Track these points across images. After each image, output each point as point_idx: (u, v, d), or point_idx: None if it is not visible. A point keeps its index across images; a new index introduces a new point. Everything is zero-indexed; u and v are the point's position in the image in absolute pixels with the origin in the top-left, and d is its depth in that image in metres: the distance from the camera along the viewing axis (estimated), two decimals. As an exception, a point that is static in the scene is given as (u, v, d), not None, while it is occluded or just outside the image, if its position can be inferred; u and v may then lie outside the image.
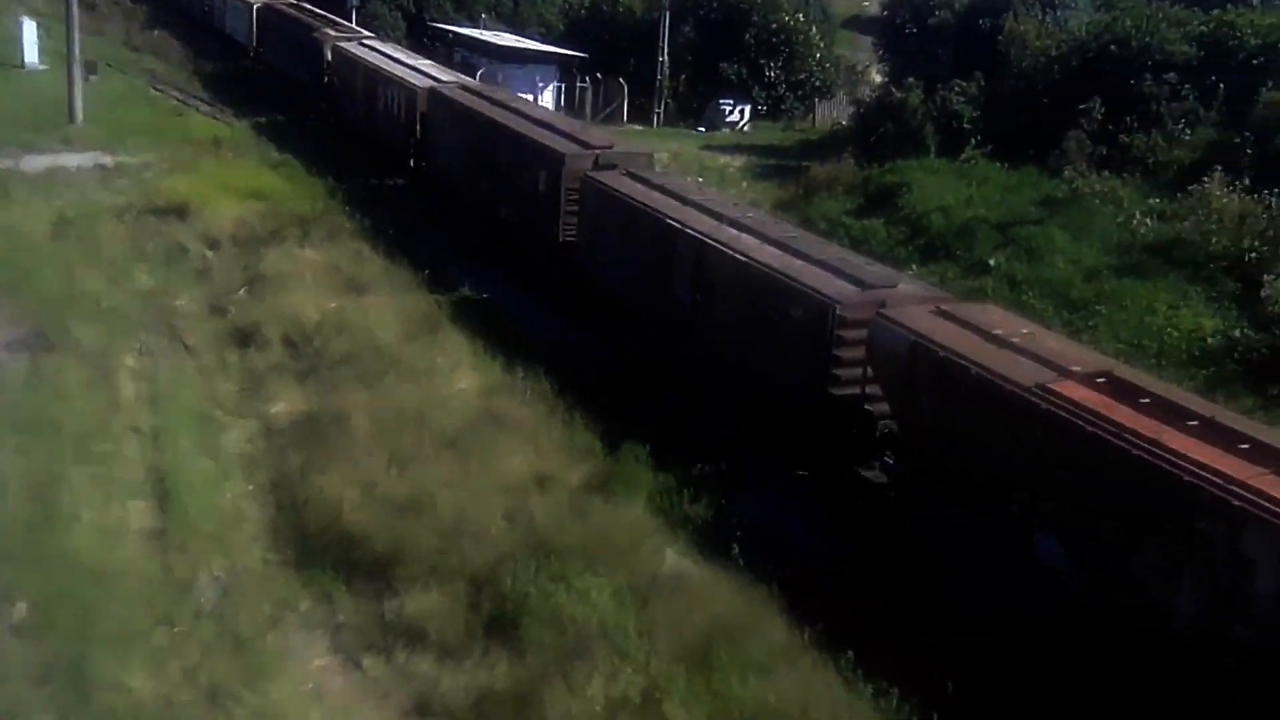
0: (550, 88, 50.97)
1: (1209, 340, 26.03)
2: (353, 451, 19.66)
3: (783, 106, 54.65)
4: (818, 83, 55.27)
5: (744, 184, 40.11)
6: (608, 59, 52.76)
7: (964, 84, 41.21)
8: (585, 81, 51.94)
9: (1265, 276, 27.07)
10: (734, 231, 23.67)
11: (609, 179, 27.27)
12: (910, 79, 42.34)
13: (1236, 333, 25.97)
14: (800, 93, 55.16)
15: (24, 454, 19.70)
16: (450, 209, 34.72)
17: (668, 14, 51.82)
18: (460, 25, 56.27)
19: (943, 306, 19.52)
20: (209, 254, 30.32)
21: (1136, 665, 14.88)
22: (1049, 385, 16.43)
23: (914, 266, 30.14)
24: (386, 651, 15.83)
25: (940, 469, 18.20)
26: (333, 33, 46.93)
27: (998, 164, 36.80)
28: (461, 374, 23.41)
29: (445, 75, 39.97)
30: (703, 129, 51.05)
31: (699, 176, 38.41)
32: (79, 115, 40.40)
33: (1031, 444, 16.28)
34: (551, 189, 28.90)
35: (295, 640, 16.13)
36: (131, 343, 24.71)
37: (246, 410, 22.57)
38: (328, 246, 30.21)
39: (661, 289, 24.63)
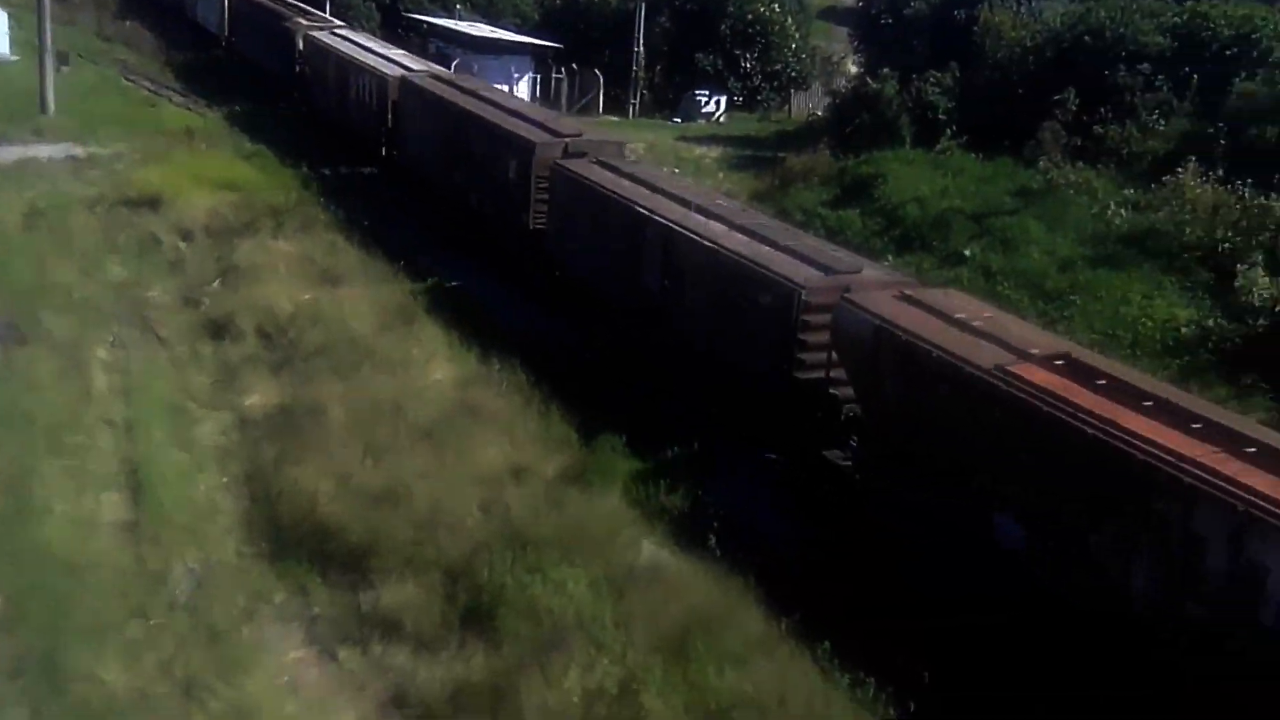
0: (525, 79, 50.83)
1: (1183, 330, 26.13)
2: (328, 443, 19.60)
3: (758, 97, 54.65)
4: (793, 73, 55.28)
5: (720, 175, 40.07)
6: (583, 50, 52.69)
7: (939, 75, 41.20)
8: (560, 72, 51.84)
9: (1238, 266, 27.17)
10: (702, 219, 23.82)
11: (578, 167, 27.38)
12: (885, 70, 42.34)
13: (1210, 322, 26.07)
14: (776, 83, 55.16)
15: (-4, 446, 19.57)
16: (423, 199, 34.69)
17: (643, 5, 51.69)
18: (435, 16, 56.05)
19: (906, 291, 19.80)
20: (182, 245, 30.19)
21: (1099, 648, 15.01)
22: (1008, 367, 16.65)
23: (890, 257, 30.15)
24: (362, 643, 15.80)
25: (903, 452, 18.37)
26: (304, 22, 46.74)
27: (973, 155, 36.81)
28: (437, 365, 23.36)
29: (416, 64, 39.95)
30: (678, 120, 50.98)
31: (675, 167, 38.37)
32: (50, 106, 40.08)
33: (991, 426, 16.47)
34: (521, 177, 28.98)
35: (270, 632, 16.08)
36: (104, 334, 24.59)
37: (220, 402, 22.48)
38: (302, 237, 30.10)
39: (631, 276, 24.75)
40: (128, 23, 59.26)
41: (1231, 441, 14.76)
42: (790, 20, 55.28)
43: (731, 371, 21.79)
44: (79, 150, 36.78)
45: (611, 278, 25.64)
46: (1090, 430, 15.15)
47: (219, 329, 25.15)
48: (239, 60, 52.76)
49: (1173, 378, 22.48)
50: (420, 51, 47.88)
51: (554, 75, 51.74)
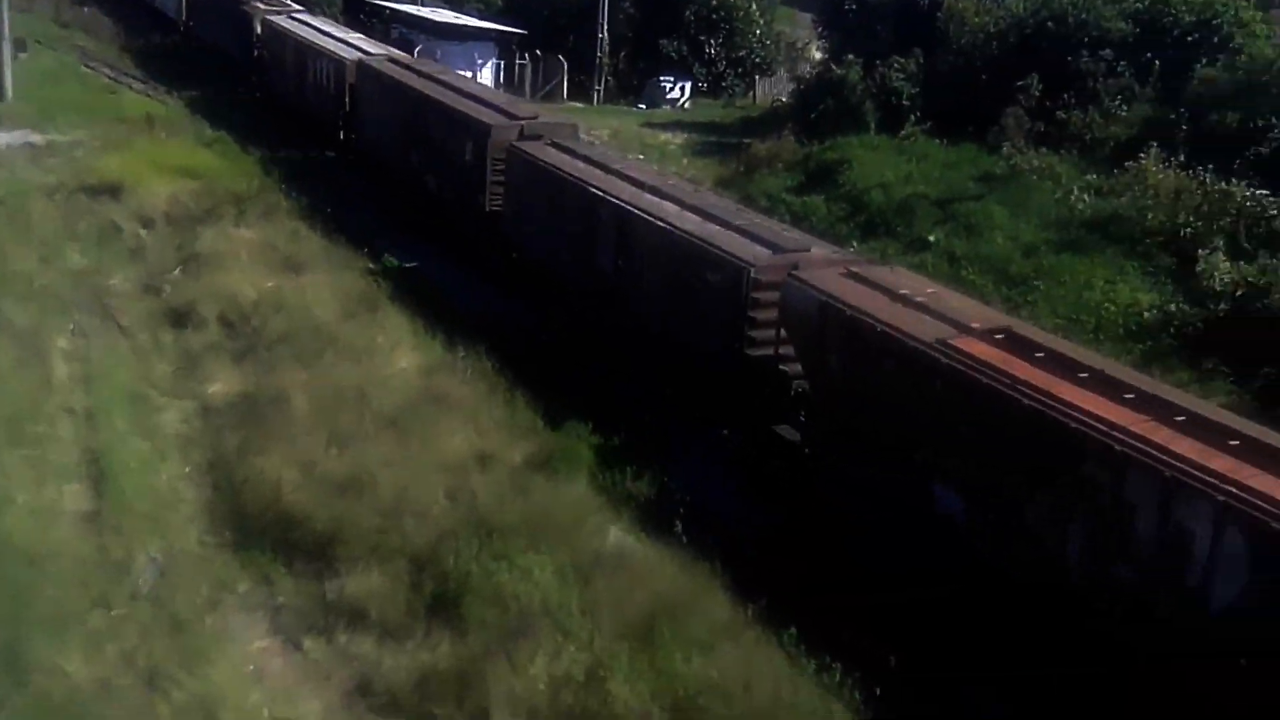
0: (489, 65, 50.60)
1: (1145, 315, 26.27)
2: (292, 431, 19.49)
3: (723, 83, 54.61)
4: (758, 59, 55.26)
5: (684, 161, 40.05)
6: (547, 36, 52.49)
7: (903, 61, 41.27)
8: (524, 59, 51.63)
9: (1200, 251, 27.32)
10: (655, 199, 24.06)
11: (534, 149, 27.49)
12: (850, 56, 42.33)
13: (1172, 307, 26.22)
14: (740, 70, 55.12)
15: (-46, 437, 19.37)
16: (384, 185, 34.64)
17: (607, -10, 51.61)
18: (398, 1, 55.74)
19: (852, 269, 20.16)
20: (143, 233, 29.96)
21: (1040, 619, 15.26)
22: (949, 341, 16.96)
23: (855, 243, 30.20)
24: (327, 632, 15.71)
25: (848, 426, 18.66)
26: (262, 6, 46.53)
27: (937, 141, 36.92)
28: (401, 353, 23.26)
29: (374, 48, 39.99)
30: (643, 106, 50.89)
31: (640, 154, 38.31)
32: (8, 93, 39.79)
33: (932, 398, 16.76)
34: (477, 160, 29.13)
35: (234, 622, 15.97)
36: (64, 323, 24.37)
37: (182, 391, 22.31)
38: (264, 225, 29.92)
39: (585, 257, 24.95)
40: (86, 9, 58.76)
41: (1163, 411, 15.12)
42: (754, 6, 55.21)
43: (684, 350, 22.05)
44: (37, 138, 36.49)
45: (567, 259, 25.82)
46: (1026, 401, 15.45)
47: (181, 317, 24.97)
48: (198, 45, 52.44)
49: (1135, 362, 22.61)
50: (383, 38, 47.63)
51: (518, 62, 51.53)
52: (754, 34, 54.81)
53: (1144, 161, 31.56)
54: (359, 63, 36.71)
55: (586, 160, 26.75)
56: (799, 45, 58.65)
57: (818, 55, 54.94)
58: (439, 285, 27.87)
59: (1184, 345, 25.02)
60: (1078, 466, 14.89)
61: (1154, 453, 14.20)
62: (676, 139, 43.39)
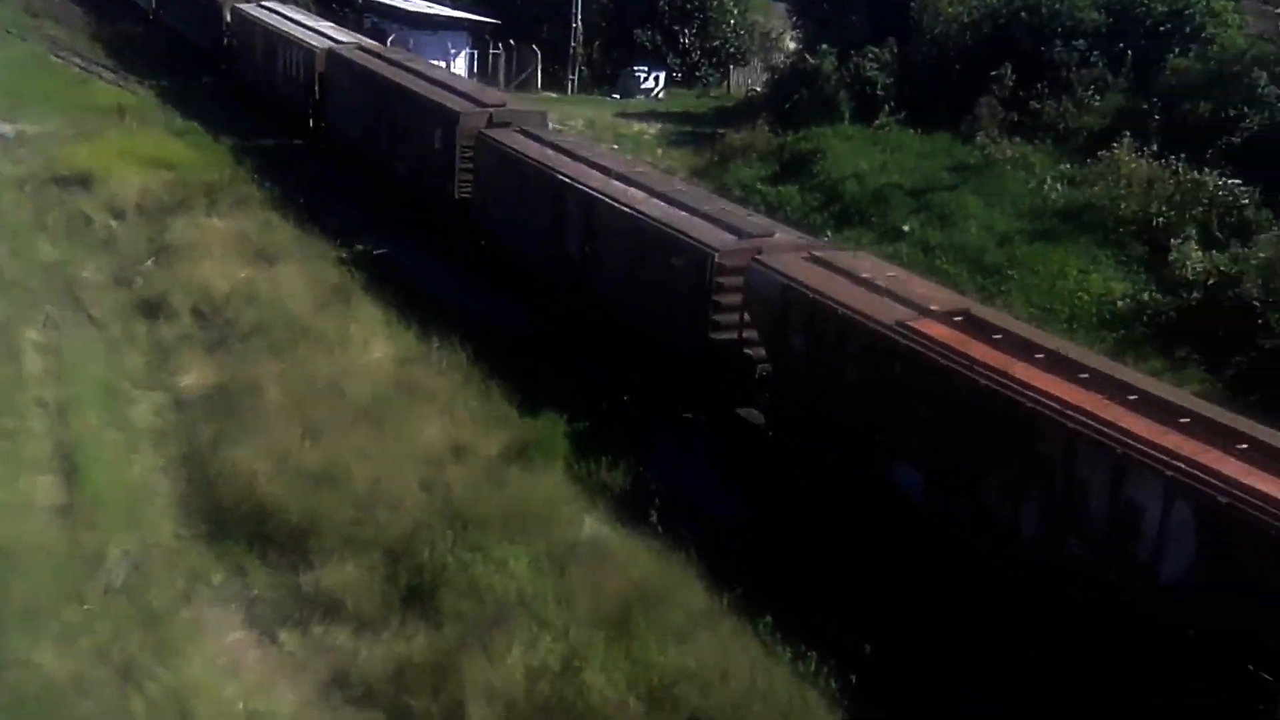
0: (463, 54, 50.43)
1: (1119, 304, 26.39)
2: (265, 423, 19.38)
3: (697, 73, 54.52)
4: (732, 49, 55.20)
5: (659, 151, 40.01)
6: (521, 26, 52.26)
7: (877, 51, 41.29)
8: (498, 48, 51.47)
9: (1172, 241, 27.45)
10: (622, 186, 24.32)
11: (502, 136, 27.67)
12: (824, 45, 42.29)
13: (1145, 296, 26.33)
14: (715, 59, 55.04)
15: (-74, 430, 19.26)
16: (355, 173, 34.61)
17: (581, -20, 51.47)
18: (371, -10, 55.44)
19: (815, 253, 20.61)
20: (114, 224, 29.76)
21: (999, 596, 15.61)
22: (909, 323, 17.35)
23: (829, 233, 30.25)
24: (303, 624, 15.67)
25: (811, 408, 18.99)
26: None
27: (911, 130, 36.98)
28: (375, 343, 23.19)
29: (344, 36, 39.92)
30: (617, 96, 50.80)
31: (614, 144, 38.24)
32: (-23, 83, 39.39)
33: (892, 379, 17.19)
34: (446, 147, 29.28)
35: (209, 615, 15.93)
36: (35, 315, 24.19)
37: (155, 383, 22.20)
38: (236, 215, 29.74)
39: (554, 243, 25.14)
40: (56, -2, 58.26)
41: (1116, 390, 15.54)
42: (729, -4, 55.15)
43: (650, 335, 22.32)
44: (7, 128, 36.19)
45: (535, 245, 25.99)
46: (983, 381, 15.86)
47: (153, 309, 24.81)
48: (168, 34, 52.13)
49: (1109, 350, 22.73)
50: (355, 27, 47.37)
51: (492, 51, 51.38)
52: (728, 24, 54.75)
53: (1117, 151, 31.67)
54: (329, 51, 36.70)
55: (554, 147, 26.96)
56: (773, 35, 58.59)
57: (792, 45, 54.87)
58: (410, 272, 27.90)
59: (1157, 334, 25.16)
60: (1032, 444, 15.28)
61: (1105, 430, 14.62)
62: (651, 129, 43.34)
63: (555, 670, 14.26)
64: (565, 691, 13.91)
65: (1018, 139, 34.82)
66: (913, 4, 44.19)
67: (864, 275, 19.29)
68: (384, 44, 42.88)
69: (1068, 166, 32.89)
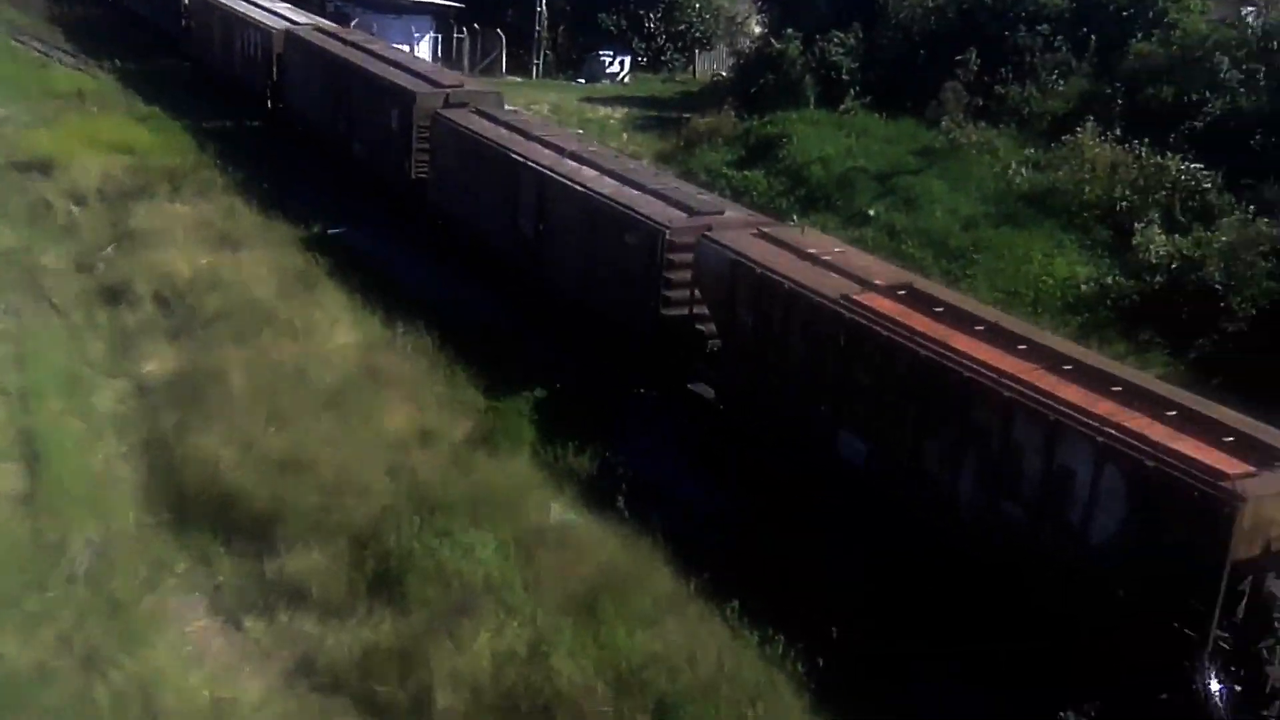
0: (426, 38, 50.24)
1: (1083, 287, 26.50)
2: (229, 410, 19.28)
3: (663, 58, 54.43)
4: (697, 34, 55.11)
5: (625, 136, 39.91)
6: (485, 9, 51.97)
7: (842, 35, 41.27)
8: (462, 32, 51.24)
9: (1136, 225, 27.59)
10: (574, 164, 24.65)
11: (458, 116, 27.94)
12: (789, 30, 42.26)
13: (1109, 280, 26.46)
14: (680, 44, 54.96)
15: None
16: (318, 157, 34.63)
17: (545, -36, 51.25)
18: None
19: (763, 229, 21.15)
20: (75, 210, 29.54)
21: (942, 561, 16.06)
22: (852, 296, 17.91)
23: (795, 217, 30.22)
24: (268, 612, 15.60)
25: (759, 381, 19.44)
26: None
27: (876, 115, 37.03)
28: (340, 329, 23.09)
29: (301, 18, 40.08)
30: (583, 80, 50.66)
31: (579, 129, 38.11)
32: (-65, 67, 38.95)
33: (836, 350, 17.71)
34: (403, 127, 29.62)
35: (173, 603, 15.83)
36: (-4, 302, 23.97)
37: (117, 369, 22.07)
38: (199, 200, 29.60)
39: (508, 222, 25.40)
40: (14, -18, 57.63)
41: (1051, 360, 16.08)
42: (694, -20, 55.03)
43: (603, 311, 22.67)
44: (-34, 113, 35.83)
45: (490, 224, 26.27)
46: (924, 351, 16.40)
47: (115, 295, 24.66)
48: (128, 17, 51.93)
49: (1073, 334, 22.81)
50: (319, 11, 47.12)
51: (455, 35, 51.15)
52: (693, 8, 54.63)
53: (1080, 135, 31.79)
54: (286, 32, 36.96)
55: (509, 127, 27.26)
56: (738, 20, 58.51)
57: (757, 30, 54.83)
58: (375, 257, 27.96)
59: (1121, 317, 25.29)
60: (969, 412, 15.78)
61: (1039, 398, 15.13)
62: (616, 114, 43.24)
63: (523, 656, 14.27)
64: (533, 677, 13.91)
65: (982, 124, 34.91)
66: (877, -12, 44.19)
67: (810, 250, 19.84)
68: (347, 28, 42.68)
69: (1032, 151, 32.99)
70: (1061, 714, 13.90)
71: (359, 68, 32.33)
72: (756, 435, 19.44)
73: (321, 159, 34.37)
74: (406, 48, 44.54)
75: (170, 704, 13.90)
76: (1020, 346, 16.47)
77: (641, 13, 53.55)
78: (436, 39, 50.83)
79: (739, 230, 20.99)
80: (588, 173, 24.17)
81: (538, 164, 24.70)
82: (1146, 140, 30.58)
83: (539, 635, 14.55)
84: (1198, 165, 29.19)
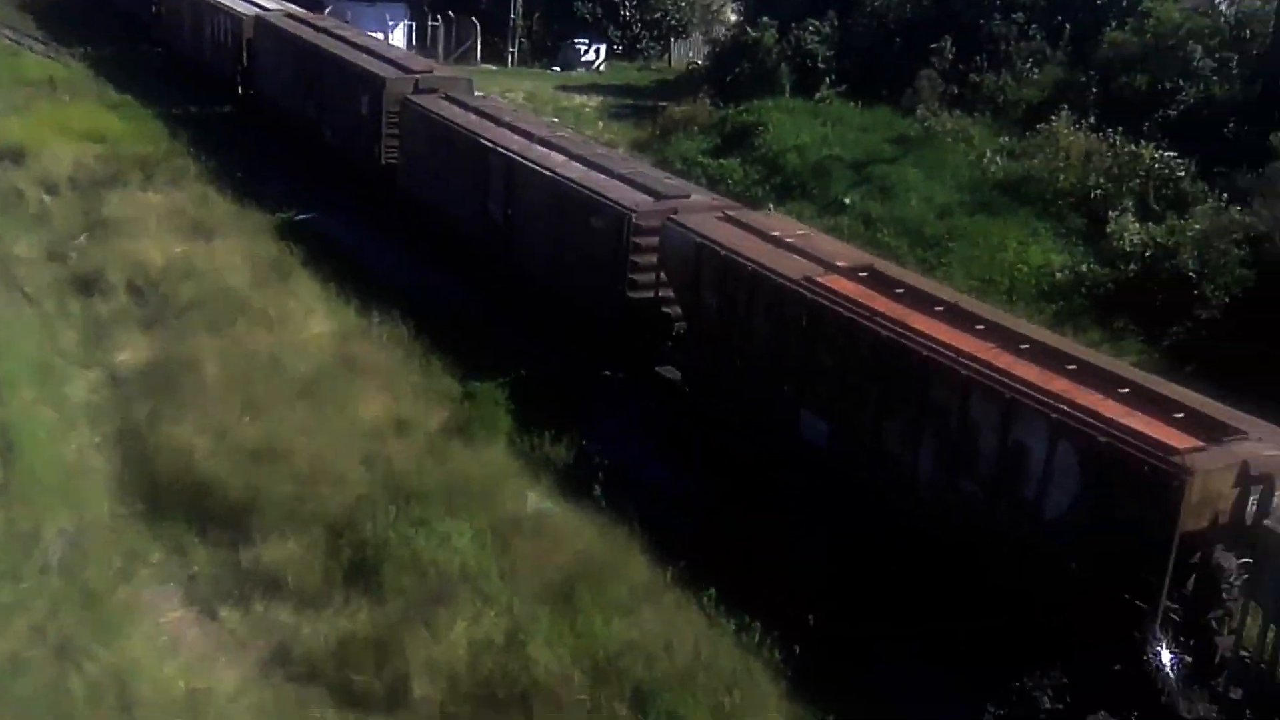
0: (401, 26, 50.05)
1: (1058, 275, 26.61)
2: (203, 399, 19.20)
3: (638, 46, 54.34)
4: (673, 22, 55.03)
5: (600, 124, 39.83)
6: (460, -3, 51.90)
7: (818, 24, 41.28)
8: (437, 20, 51.06)
9: (1110, 213, 27.71)
10: (543, 149, 24.82)
11: (427, 102, 28.06)
12: (765, 18, 42.25)
13: (1084, 268, 26.58)
14: (655, 32, 54.88)
15: None
16: (290, 144, 34.57)
17: (520, -49, 51.09)
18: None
19: (728, 213, 21.43)
20: (46, 199, 29.31)
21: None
22: (815, 278, 18.20)
23: (771, 205, 30.21)
24: (244, 602, 15.53)
25: (724, 362, 19.70)
26: None
27: (852, 103, 37.06)
28: (315, 318, 23.01)
29: (271, 3, 39.91)
30: (558, 69, 50.54)
31: (554, 117, 38.05)
32: (-96, 55, 38.60)
33: (799, 331, 17.97)
34: (373, 112, 29.72)
35: (147, 593, 15.76)
36: (-34, 292, 23.80)
37: (91, 359, 21.94)
38: (172, 189, 29.44)
39: (478, 207, 25.55)
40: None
41: (1008, 340, 16.38)
42: (669, -32, 54.94)
43: (571, 295, 22.87)
44: (-65, 102, 35.52)
45: (460, 209, 26.41)
46: (884, 331, 16.66)
47: (87, 284, 24.49)
48: (99, 4, 51.65)
49: (1048, 322, 22.96)
50: (293, -1, 46.89)
51: (430, 23, 50.95)
52: (669, -4, 54.58)
53: (1055, 124, 31.88)
54: (256, 18, 36.91)
55: (478, 113, 27.39)
56: (714, 8, 58.41)
57: (733, 17, 54.79)
58: (349, 245, 27.91)
59: (1095, 305, 25.43)
60: (928, 391, 16.03)
61: (996, 376, 15.39)
62: (592, 102, 43.15)
63: (499, 645, 14.26)
64: (510, 665, 13.91)
65: (957, 112, 35.01)
66: (853, -24, 44.18)
67: (774, 233, 20.10)
68: (320, 14, 42.47)
69: (1007, 139, 33.09)
70: (1016, 684, 14.14)
71: (329, 53, 32.36)
72: (721, 417, 19.65)
73: (293, 145, 34.31)
74: (381, 35, 44.35)
75: (145, 694, 13.84)
76: (978, 326, 16.78)
77: (617, 1, 53.43)
78: (411, 26, 50.64)
79: (704, 214, 21.25)
80: (556, 158, 24.35)
81: (507, 149, 24.86)
82: (1120, 129, 30.70)
83: (516, 624, 14.54)
84: (1171, 154, 29.34)
